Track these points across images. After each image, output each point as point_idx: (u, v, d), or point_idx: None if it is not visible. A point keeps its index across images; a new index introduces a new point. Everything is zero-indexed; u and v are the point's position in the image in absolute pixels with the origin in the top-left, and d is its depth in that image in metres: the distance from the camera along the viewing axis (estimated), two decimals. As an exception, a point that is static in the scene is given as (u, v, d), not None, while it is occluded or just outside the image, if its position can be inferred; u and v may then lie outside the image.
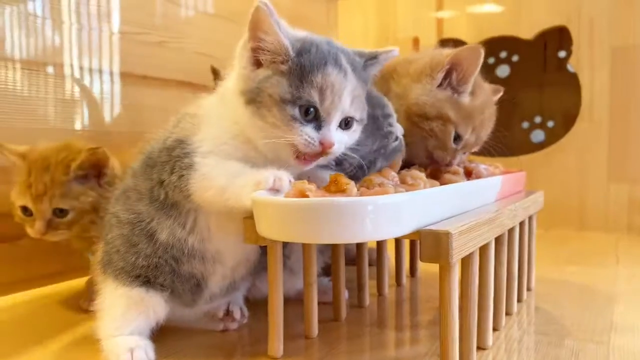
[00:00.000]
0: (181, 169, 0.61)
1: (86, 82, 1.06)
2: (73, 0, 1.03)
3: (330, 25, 1.89)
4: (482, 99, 0.83)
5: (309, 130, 0.60)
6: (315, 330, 0.73)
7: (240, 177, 0.59)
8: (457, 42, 1.74)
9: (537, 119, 1.95)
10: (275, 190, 0.57)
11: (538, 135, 1.96)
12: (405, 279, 1.00)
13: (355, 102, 0.64)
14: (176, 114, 0.70)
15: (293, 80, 0.59)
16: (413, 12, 1.84)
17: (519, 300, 0.85)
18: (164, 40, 1.21)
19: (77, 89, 1.05)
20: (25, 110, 0.96)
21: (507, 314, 0.78)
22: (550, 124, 1.94)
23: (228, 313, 0.77)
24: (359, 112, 0.65)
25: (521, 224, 0.82)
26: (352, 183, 0.55)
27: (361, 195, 0.54)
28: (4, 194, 0.88)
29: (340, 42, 0.69)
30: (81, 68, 1.05)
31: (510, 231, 0.76)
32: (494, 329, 0.71)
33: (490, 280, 0.68)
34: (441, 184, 0.68)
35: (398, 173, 0.68)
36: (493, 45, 1.77)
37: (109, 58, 1.10)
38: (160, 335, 0.70)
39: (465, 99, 0.81)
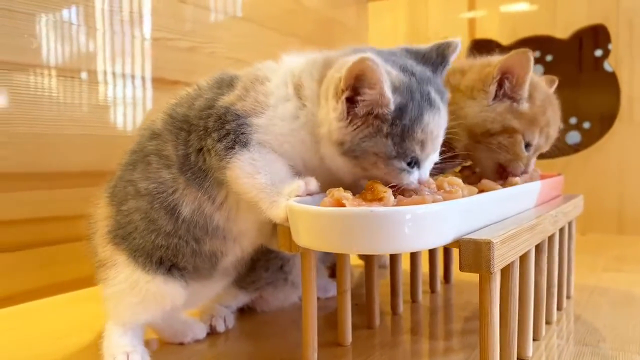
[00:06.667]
0: (233, 142, 0.59)
1: (120, 87, 1.07)
2: (107, 7, 1.04)
3: (360, 27, 1.88)
4: (542, 97, 0.79)
5: (414, 176, 0.60)
6: (349, 337, 0.72)
7: (279, 185, 0.59)
8: (491, 43, 1.72)
9: (573, 120, 1.91)
10: (307, 194, 0.58)
11: (574, 137, 1.91)
12: (439, 286, 0.98)
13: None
14: (222, 75, 0.67)
15: (395, 140, 0.58)
16: (444, 12, 1.81)
17: (559, 308, 0.83)
18: (195, 45, 1.22)
19: (111, 94, 1.06)
20: (61, 117, 0.98)
21: (546, 323, 0.75)
22: (586, 125, 1.89)
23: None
24: None
25: (561, 229, 0.80)
26: (390, 191, 0.53)
27: (398, 203, 0.53)
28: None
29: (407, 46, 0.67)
30: (114, 74, 1.06)
31: (550, 237, 0.74)
32: (534, 339, 0.69)
33: (530, 289, 0.66)
34: (479, 190, 0.66)
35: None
36: (526, 46, 1.72)
37: (142, 64, 1.11)
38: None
39: (524, 105, 0.77)
